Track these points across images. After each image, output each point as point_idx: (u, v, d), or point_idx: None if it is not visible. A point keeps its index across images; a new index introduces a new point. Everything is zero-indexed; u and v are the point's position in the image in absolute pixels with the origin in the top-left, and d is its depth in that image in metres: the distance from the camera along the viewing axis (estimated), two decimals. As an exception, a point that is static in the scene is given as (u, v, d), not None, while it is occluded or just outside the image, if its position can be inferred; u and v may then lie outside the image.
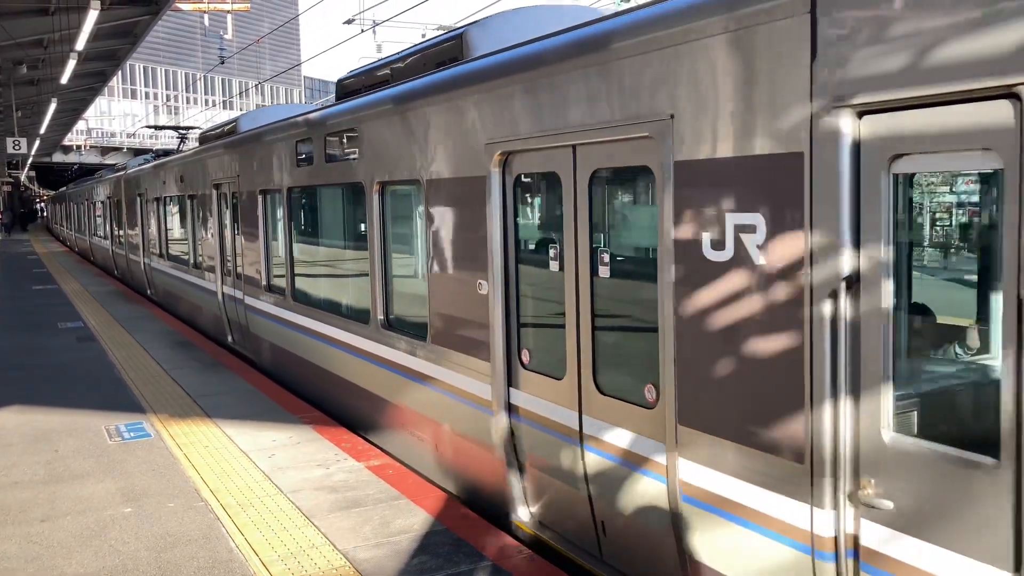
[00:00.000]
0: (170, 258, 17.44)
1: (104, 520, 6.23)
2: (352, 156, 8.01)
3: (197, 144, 15.49)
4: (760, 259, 3.79)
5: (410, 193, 7.27)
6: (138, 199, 20.47)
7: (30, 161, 70.68)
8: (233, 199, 12.30)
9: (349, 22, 32.07)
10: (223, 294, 13.27)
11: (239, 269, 12.24)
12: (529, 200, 5.89)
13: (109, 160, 77.71)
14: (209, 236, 13.81)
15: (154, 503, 6.54)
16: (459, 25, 15.02)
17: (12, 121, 35.57)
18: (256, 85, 52.16)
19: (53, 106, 37.10)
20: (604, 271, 4.99)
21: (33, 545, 5.82)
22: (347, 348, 8.42)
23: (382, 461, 7.34)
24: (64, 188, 52.84)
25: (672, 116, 4.22)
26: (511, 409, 5.83)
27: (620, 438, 4.85)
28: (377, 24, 32.65)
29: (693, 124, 4.10)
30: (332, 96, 10.09)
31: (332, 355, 8.86)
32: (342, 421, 8.75)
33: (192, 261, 15.29)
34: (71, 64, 24.35)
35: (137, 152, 77.26)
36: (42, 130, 48.06)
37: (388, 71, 8.14)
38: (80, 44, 21.79)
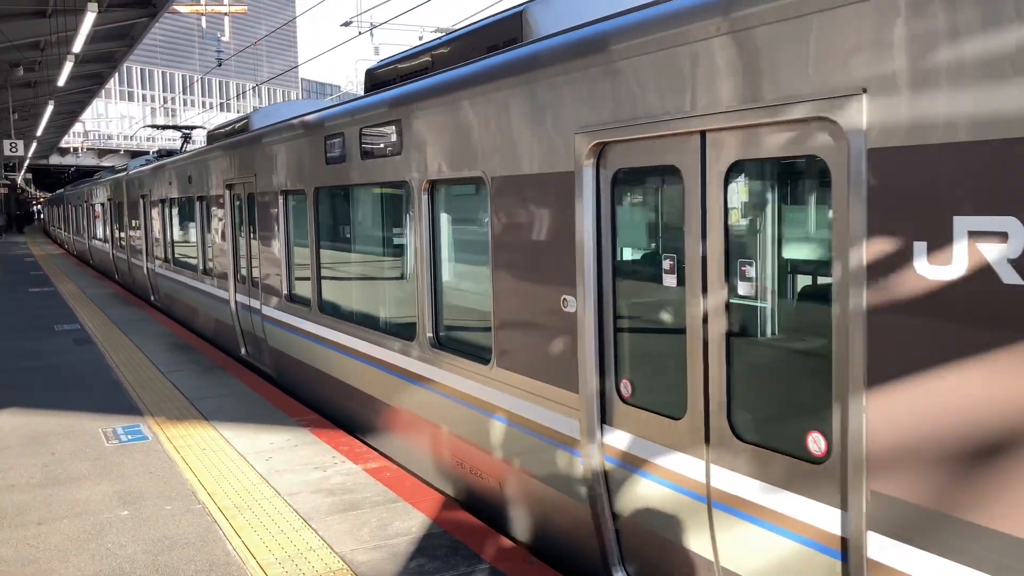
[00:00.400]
0: (176, 263, 16.68)
1: (101, 523, 6.22)
2: (395, 152, 7.18)
3: (206, 143, 14.82)
4: (1012, 276, 2.91)
5: (469, 192, 6.54)
6: (141, 201, 19.91)
7: (27, 163, 70.77)
8: (249, 200, 11.64)
9: (347, 24, 32.10)
10: (236, 302, 12.57)
11: (255, 276, 11.53)
12: (633, 200, 4.91)
13: (106, 162, 77.86)
14: (221, 240, 13.11)
15: (151, 506, 6.53)
16: (460, 26, 14.99)
17: (9, 123, 35.60)
18: (253, 87, 52.09)
19: (50, 108, 37.13)
20: (745, 287, 4.06)
21: (30, 548, 5.80)
22: (384, 367, 7.65)
23: (379, 464, 7.32)
24: (62, 190, 52.69)
25: (865, 91, 3.30)
26: (604, 450, 5.00)
27: (768, 496, 3.96)
28: (375, 27, 32.69)
29: (899, 101, 3.18)
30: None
31: (366, 373, 8.08)
32: (364, 440, 8.36)
33: (201, 267, 14.59)
34: (68, 66, 24.40)
35: (134, 154, 77.45)
36: (39, 132, 48.09)
37: (428, 58, 7.41)
38: (77, 46, 21.81)
